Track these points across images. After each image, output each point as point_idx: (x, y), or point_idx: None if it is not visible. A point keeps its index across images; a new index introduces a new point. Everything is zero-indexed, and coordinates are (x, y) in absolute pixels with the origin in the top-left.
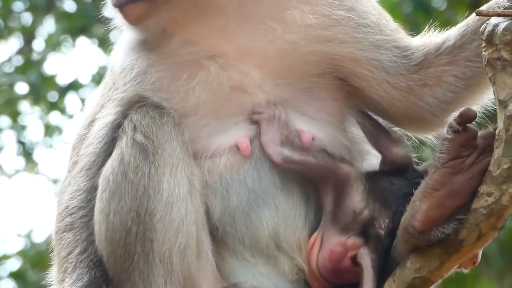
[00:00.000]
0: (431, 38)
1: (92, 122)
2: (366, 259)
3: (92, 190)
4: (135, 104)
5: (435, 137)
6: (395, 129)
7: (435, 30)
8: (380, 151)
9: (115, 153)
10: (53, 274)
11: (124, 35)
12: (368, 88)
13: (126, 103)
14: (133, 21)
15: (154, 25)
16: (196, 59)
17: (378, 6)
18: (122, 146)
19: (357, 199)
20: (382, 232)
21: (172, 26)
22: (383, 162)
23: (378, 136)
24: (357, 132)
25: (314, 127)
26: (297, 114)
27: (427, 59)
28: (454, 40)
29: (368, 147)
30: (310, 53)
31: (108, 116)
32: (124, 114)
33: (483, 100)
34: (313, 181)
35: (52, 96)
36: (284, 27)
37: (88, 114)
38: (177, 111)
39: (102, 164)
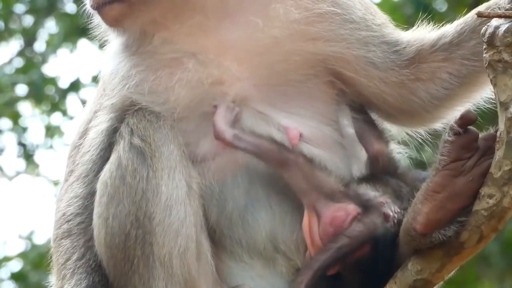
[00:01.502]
0: (425, 33)
1: (86, 130)
2: (356, 225)
3: (89, 196)
4: (129, 108)
5: (434, 137)
6: (385, 126)
7: (428, 25)
8: (364, 146)
9: (113, 158)
10: (52, 282)
11: (112, 41)
12: (359, 85)
13: (118, 108)
14: (110, 22)
15: (133, 26)
16: (175, 57)
17: (364, 0)
18: (120, 150)
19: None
20: (390, 212)
21: (152, 27)
22: (367, 159)
23: (363, 129)
24: (350, 130)
25: (302, 124)
26: (283, 112)
27: (421, 54)
28: (451, 37)
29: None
30: (294, 51)
31: (102, 123)
32: (118, 119)
33: (477, 98)
34: (270, 165)
35: (53, 97)
36: (266, 21)
37: (82, 122)
38: (164, 112)
39: (99, 171)
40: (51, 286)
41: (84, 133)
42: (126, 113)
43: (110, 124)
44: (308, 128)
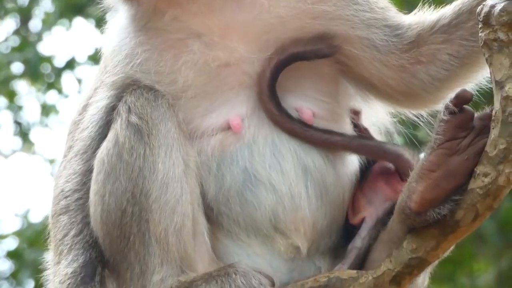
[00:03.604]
0: (425, 16)
1: (86, 106)
2: None
3: (87, 173)
4: (129, 87)
5: (429, 115)
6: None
7: (429, 7)
8: None
9: (110, 135)
10: (49, 258)
11: (116, 17)
12: (360, 66)
13: (119, 86)
14: None
15: (148, 1)
16: (180, 38)
17: None
18: (117, 128)
19: None
20: None
21: (166, 3)
22: None
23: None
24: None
25: (313, 104)
26: (293, 91)
27: (421, 37)
28: (450, 19)
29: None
30: (299, 29)
31: (102, 100)
32: (118, 97)
33: (477, 78)
34: None
35: (49, 76)
36: (271, 1)
37: (83, 98)
38: (168, 93)
39: (97, 148)
40: (47, 262)
41: (84, 110)
42: (126, 91)
43: (109, 101)
44: (319, 107)
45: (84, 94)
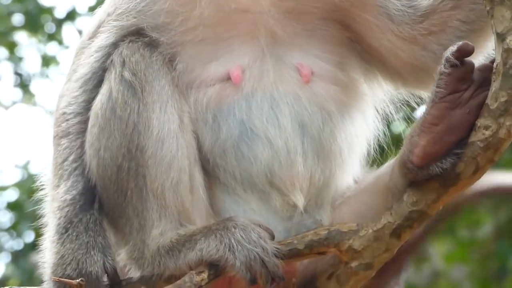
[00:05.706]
0: None
1: (95, 33)
2: None
3: (87, 104)
4: (131, 35)
5: None
6: None
7: None
8: None
9: (104, 88)
10: (47, 177)
11: None
12: (371, 35)
13: (126, 28)
14: None
15: None
16: None
17: None
18: (111, 80)
19: None
20: None
21: None
22: None
23: None
24: (357, 76)
25: (313, 62)
26: (297, 48)
27: (432, 7)
28: None
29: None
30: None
31: (109, 37)
32: (123, 38)
33: (488, 47)
34: None
35: (49, 27)
36: None
37: (95, 22)
38: (174, 37)
39: (97, 84)
40: (45, 182)
41: (93, 35)
42: (126, 39)
43: (115, 40)
44: (319, 67)
45: (97, 17)
